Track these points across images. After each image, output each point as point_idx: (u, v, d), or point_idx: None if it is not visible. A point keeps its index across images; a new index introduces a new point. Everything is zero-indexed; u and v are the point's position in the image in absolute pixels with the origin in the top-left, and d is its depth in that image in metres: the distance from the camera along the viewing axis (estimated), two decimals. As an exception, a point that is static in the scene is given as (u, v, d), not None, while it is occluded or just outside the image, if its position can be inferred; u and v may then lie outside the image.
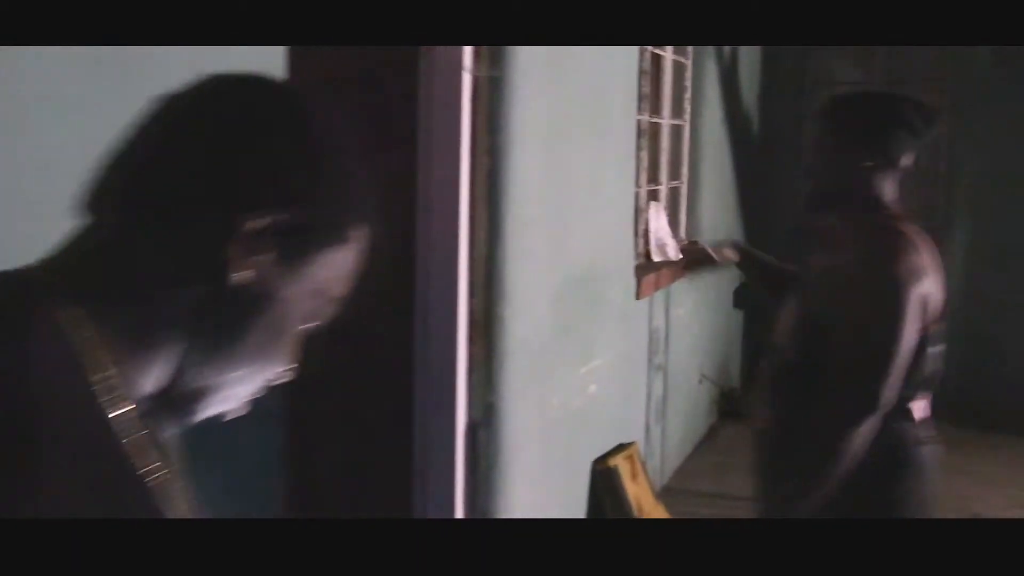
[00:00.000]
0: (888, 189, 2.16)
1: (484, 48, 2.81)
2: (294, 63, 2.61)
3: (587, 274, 3.57)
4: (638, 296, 4.18)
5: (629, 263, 4.13)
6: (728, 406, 6.00)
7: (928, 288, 2.07)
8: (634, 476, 3.95)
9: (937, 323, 2.11)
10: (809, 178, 2.25)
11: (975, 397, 6.05)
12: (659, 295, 4.54)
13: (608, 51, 3.64)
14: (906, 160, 2.14)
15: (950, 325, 6.15)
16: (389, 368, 3.01)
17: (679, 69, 5.16)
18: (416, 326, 2.92)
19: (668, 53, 4.88)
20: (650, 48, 4.50)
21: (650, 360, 4.50)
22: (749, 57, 6.25)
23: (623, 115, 3.92)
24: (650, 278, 4.30)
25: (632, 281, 4.14)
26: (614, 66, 3.73)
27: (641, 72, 4.43)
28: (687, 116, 5.27)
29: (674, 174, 5.24)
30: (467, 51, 2.81)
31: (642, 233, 4.58)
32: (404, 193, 2.90)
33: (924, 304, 2.06)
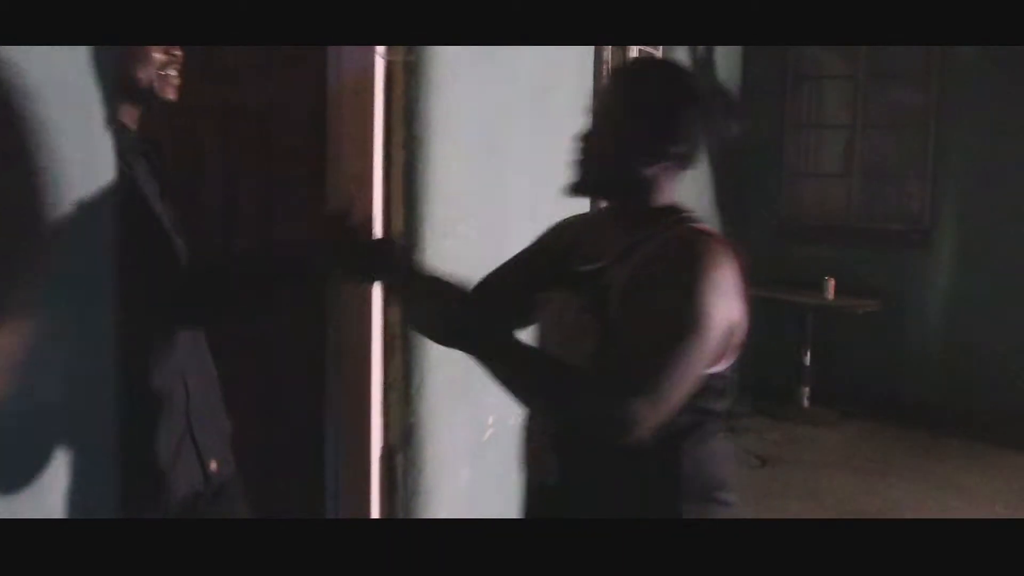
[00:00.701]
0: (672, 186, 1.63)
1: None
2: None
3: (529, 280, 3.28)
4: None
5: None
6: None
7: (736, 311, 1.51)
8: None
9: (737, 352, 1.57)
10: (584, 155, 1.63)
11: (959, 405, 5.79)
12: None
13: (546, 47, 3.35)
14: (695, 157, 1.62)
15: (933, 331, 5.79)
16: (300, 388, 2.73)
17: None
18: (327, 342, 2.64)
19: (633, 48, 4.58)
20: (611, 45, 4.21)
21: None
22: (728, 51, 5.96)
23: (577, 109, 3.62)
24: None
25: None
26: (563, 58, 3.45)
27: (602, 64, 4.16)
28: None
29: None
30: (380, 34, 2.52)
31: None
32: (313, 192, 2.61)
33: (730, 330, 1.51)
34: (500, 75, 2.98)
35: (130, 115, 1.73)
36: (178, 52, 1.73)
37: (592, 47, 3.77)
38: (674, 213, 1.61)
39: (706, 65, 5.56)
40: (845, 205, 6.30)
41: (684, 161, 1.59)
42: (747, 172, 6.27)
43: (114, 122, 1.58)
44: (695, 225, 1.58)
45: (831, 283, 5.76)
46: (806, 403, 5.92)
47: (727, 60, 5.97)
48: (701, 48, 5.42)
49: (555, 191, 3.35)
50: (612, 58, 4.21)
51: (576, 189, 1.64)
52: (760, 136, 6.28)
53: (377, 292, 2.60)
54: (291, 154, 2.67)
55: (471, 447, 2.96)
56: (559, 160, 3.41)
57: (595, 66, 3.97)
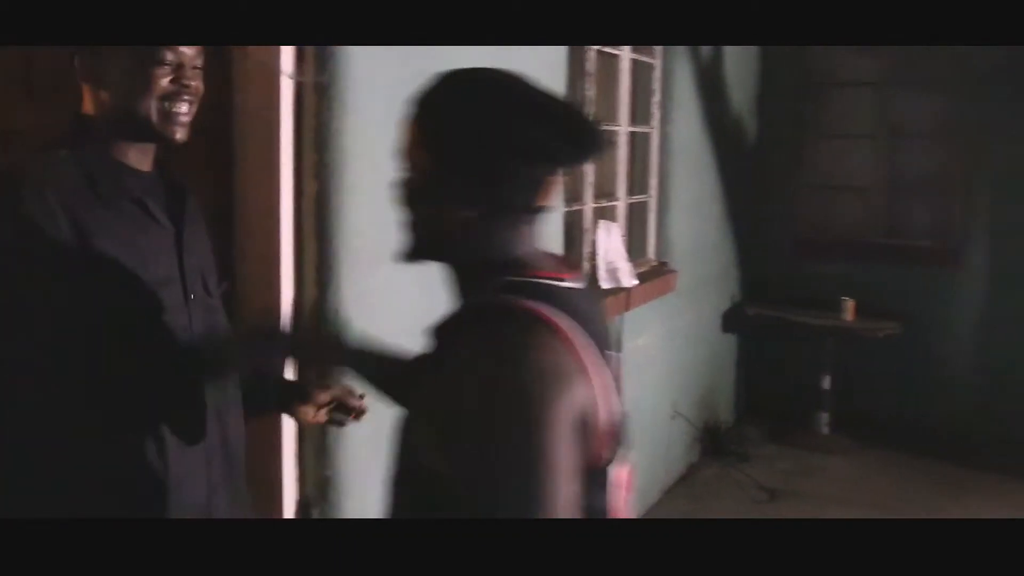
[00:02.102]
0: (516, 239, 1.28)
1: (308, 49, 2.31)
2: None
3: (483, 313, 3.03)
4: (571, 331, 3.63)
5: (556, 295, 3.58)
6: (712, 442, 5.43)
7: (583, 400, 1.17)
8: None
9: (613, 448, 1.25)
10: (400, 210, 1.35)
11: (989, 434, 5.41)
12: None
13: (509, 53, 3.10)
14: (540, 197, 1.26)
15: (962, 354, 5.36)
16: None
17: (644, 70, 4.60)
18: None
19: (625, 52, 4.32)
20: (595, 47, 3.96)
21: (594, 402, 3.95)
22: (742, 55, 5.65)
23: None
24: (588, 310, 3.75)
25: (561, 315, 3.59)
26: (520, 68, 3.18)
27: (584, 74, 3.90)
28: (655, 122, 4.71)
29: (640, 187, 4.68)
30: (287, 52, 2.30)
31: (587, 257, 4.04)
32: (219, 227, 2.40)
33: (582, 426, 1.17)
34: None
35: (137, 154, 1.58)
36: (191, 84, 1.56)
37: (563, 59, 3.51)
38: (496, 275, 1.24)
39: (715, 70, 5.26)
40: (866, 220, 5.94)
41: (509, 205, 1.24)
42: (762, 183, 5.96)
43: (108, 160, 1.52)
44: (506, 296, 1.21)
45: (851, 304, 5.43)
46: (825, 430, 5.59)
47: (742, 65, 5.66)
48: (708, 50, 5.13)
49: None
50: (595, 69, 3.96)
51: (405, 255, 1.35)
52: (777, 145, 5.97)
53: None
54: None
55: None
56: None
57: (572, 67, 3.72)
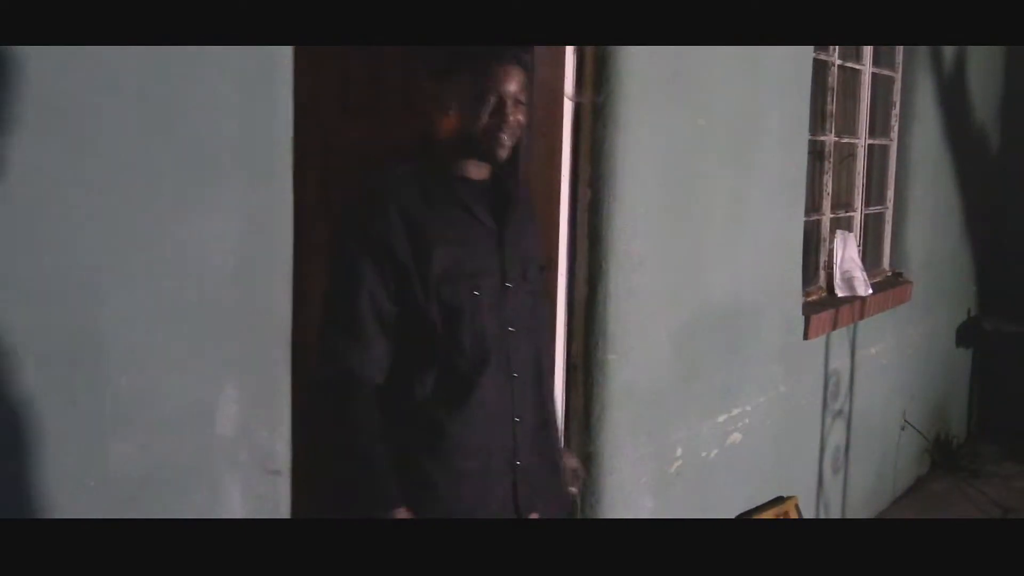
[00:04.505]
0: None
1: (587, 74, 2.62)
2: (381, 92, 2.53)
3: (727, 313, 3.25)
4: (807, 336, 3.79)
5: (794, 300, 3.75)
6: (942, 456, 5.38)
7: None
8: (787, 536, 3.57)
9: None
10: None
11: None
12: (840, 334, 4.11)
13: (759, 71, 3.31)
14: None
15: None
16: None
17: (885, 83, 4.66)
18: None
19: (867, 67, 4.41)
20: (839, 62, 4.09)
21: (826, 405, 4.07)
22: (986, 63, 5.57)
23: (786, 137, 3.56)
24: (824, 316, 3.89)
25: (799, 319, 3.75)
26: (768, 85, 3.39)
27: (826, 89, 4.04)
28: (894, 135, 4.76)
29: (877, 198, 4.75)
30: (568, 77, 2.62)
31: (823, 265, 4.17)
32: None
33: None
34: (691, 106, 2.99)
35: (473, 167, 1.94)
36: (513, 117, 1.89)
37: (808, 74, 3.67)
38: None
39: (958, 80, 5.23)
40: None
41: None
42: (1005, 194, 5.83)
43: (445, 173, 1.88)
44: None
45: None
46: (1067, 449, 5.41)
47: (987, 74, 5.58)
48: (950, 61, 5.11)
49: (763, 217, 3.32)
50: (837, 83, 4.09)
51: None
52: (1021, 155, 5.82)
53: (560, 323, 2.70)
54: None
55: (656, 478, 2.99)
56: (771, 184, 3.39)
57: (819, 83, 3.87)
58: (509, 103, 1.88)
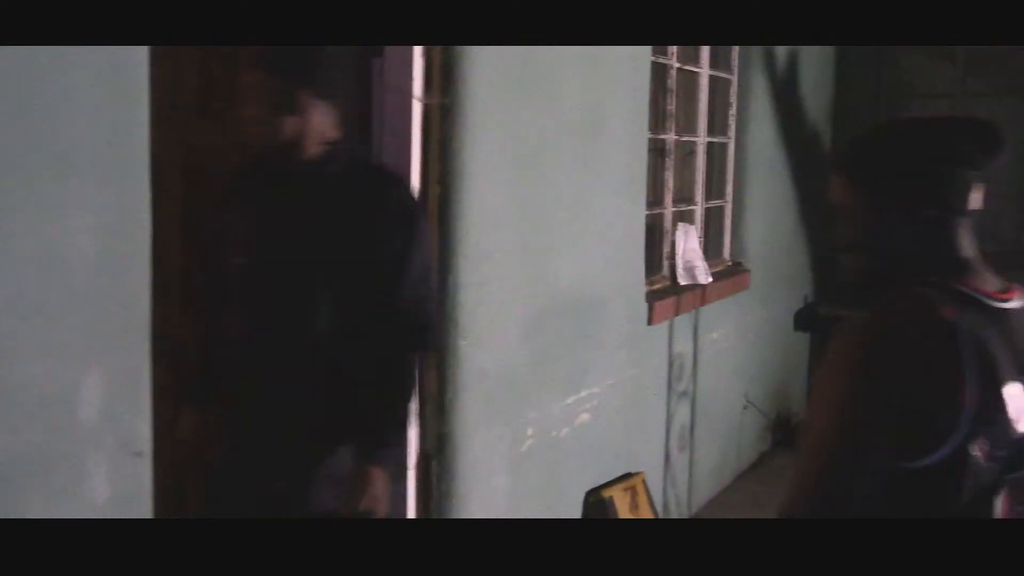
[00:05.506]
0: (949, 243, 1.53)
1: (435, 76, 2.79)
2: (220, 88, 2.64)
3: (575, 301, 3.48)
4: (651, 321, 4.06)
5: (638, 288, 4.01)
6: (783, 433, 5.77)
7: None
8: (634, 508, 3.84)
9: None
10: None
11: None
12: (683, 320, 4.40)
13: (601, 73, 3.55)
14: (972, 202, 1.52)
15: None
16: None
17: (722, 85, 4.99)
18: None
19: (704, 69, 4.73)
20: (677, 65, 4.37)
21: (671, 387, 4.36)
22: (818, 67, 6.00)
23: (628, 135, 3.81)
24: (667, 303, 4.17)
25: (643, 306, 4.02)
26: (610, 86, 3.63)
27: (667, 90, 4.32)
28: (732, 133, 5.10)
29: (717, 193, 5.08)
30: (417, 79, 2.78)
31: (667, 256, 4.46)
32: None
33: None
34: (540, 111, 3.20)
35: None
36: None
37: (647, 76, 3.93)
38: (920, 277, 1.50)
39: (790, 83, 5.63)
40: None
41: (946, 208, 1.52)
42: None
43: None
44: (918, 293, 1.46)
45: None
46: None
47: (818, 78, 6.00)
48: (783, 65, 5.49)
49: (607, 211, 3.54)
50: (676, 85, 4.37)
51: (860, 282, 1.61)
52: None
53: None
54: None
55: (508, 457, 3.19)
56: (615, 179, 3.62)
57: (655, 89, 4.14)
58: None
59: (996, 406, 1.37)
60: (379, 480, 2.24)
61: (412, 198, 2.40)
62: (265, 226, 2.18)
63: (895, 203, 1.50)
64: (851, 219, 1.57)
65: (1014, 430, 1.38)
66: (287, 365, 2.22)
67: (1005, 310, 1.46)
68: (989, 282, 1.49)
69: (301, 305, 2.19)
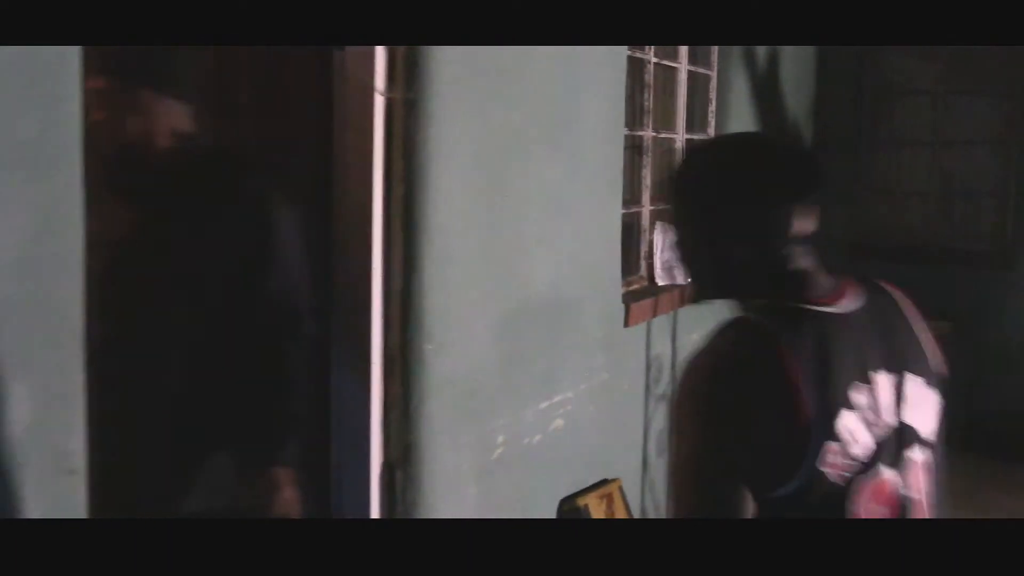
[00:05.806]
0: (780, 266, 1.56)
1: (398, 69, 2.66)
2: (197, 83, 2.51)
3: (548, 303, 3.36)
4: (627, 323, 3.95)
5: (614, 289, 3.90)
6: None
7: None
8: (611, 515, 3.73)
9: None
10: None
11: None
12: (661, 321, 4.29)
13: (574, 67, 3.43)
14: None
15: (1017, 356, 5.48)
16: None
17: (701, 81, 4.89)
18: (332, 364, 2.78)
19: (683, 64, 4.62)
20: (655, 60, 4.26)
21: (649, 390, 4.25)
22: (798, 65, 5.90)
23: (603, 131, 3.70)
24: (644, 304, 4.06)
25: (619, 308, 3.91)
26: (586, 80, 3.52)
27: (644, 86, 4.21)
28: (711, 130, 4.99)
29: (696, 191, 4.96)
30: (379, 73, 2.66)
31: (644, 256, 4.35)
32: (319, 224, 2.76)
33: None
34: (510, 106, 3.08)
35: None
36: None
37: (623, 71, 3.82)
38: (756, 298, 1.56)
39: (771, 80, 5.53)
40: (921, 224, 6.15)
41: (774, 236, 1.53)
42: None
43: None
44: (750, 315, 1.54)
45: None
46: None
47: (798, 75, 5.91)
48: (763, 61, 5.39)
49: (581, 210, 3.43)
50: (654, 80, 4.26)
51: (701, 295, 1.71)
52: (832, 151, 6.19)
53: (377, 315, 2.74)
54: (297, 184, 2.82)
55: (478, 466, 3.07)
56: (590, 178, 3.51)
57: (632, 85, 4.03)
58: None
59: (837, 412, 1.38)
60: (285, 481, 2.17)
61: (270, 187, 2.33)
62: (127, 227, 2.13)
63: (712, 235, 1.53)
64: (680, 246, 1.63)
65: (864, 431, 1.40)
66: (163, 368, 2.14)
67: (835, 314, 1.47)
68: (820, 289, 1.50)
69: (166, 305, 2.12)
